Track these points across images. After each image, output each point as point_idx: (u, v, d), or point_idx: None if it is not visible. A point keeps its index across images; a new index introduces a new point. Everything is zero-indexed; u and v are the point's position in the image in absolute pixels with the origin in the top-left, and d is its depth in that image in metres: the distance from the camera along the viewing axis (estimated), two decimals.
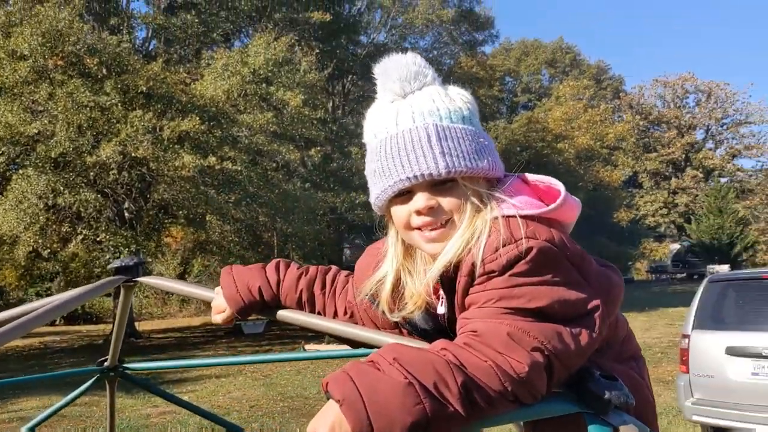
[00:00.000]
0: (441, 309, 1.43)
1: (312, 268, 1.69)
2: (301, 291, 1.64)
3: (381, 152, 1.39)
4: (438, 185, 1.35)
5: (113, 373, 2.43)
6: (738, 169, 59.21)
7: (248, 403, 10.66)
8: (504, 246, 1.25)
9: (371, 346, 1.48)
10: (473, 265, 1.28)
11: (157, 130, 18.14)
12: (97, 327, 28.30)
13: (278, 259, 1.70)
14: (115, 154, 17.13)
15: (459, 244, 1.31)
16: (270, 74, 20.62)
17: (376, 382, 1.11)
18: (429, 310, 1.45)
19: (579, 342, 1.24)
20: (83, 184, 18.41)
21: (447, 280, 1.36)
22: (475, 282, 1.28)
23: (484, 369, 1.17)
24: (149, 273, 20.97)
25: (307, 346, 18.11)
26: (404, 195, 1.38)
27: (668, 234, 59.40)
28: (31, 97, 17.66)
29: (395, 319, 1.48)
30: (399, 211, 1.40)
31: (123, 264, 1.79)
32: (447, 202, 1.35)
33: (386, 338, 1.43)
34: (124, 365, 2.45)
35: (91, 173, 18.49)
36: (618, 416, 1.25)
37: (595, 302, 1.29)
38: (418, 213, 1.36)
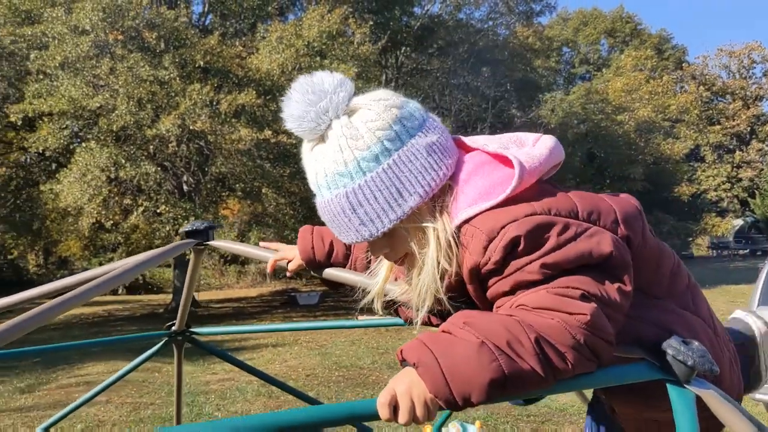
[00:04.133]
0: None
1: None
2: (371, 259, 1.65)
3: (320, 213, 1.40)
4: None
5: (181, 337, 2.50)
6: None
7: (304, 371, 10.83)
8: (490, 242, 1.23)
9: None
10: (471, 273, 1.28)
11: (215, 103, 18.38)
12: (158, 296, 29.16)
13: None
14: (174, 128, 17.44)
15: (429, 274, 1.32)
16: (324, 47, 20.60)
17: (450, 345, 1.11)
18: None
19: (616, 281, 1.23)
20: (144, 157, 18.83)
21: (454, 285, 1.36)
22: (486, 281, 1.28)
23: (553, 326, 1.15)
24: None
25: (360, 317, 18.32)
26: None
27: (731, 209, 57.50)
28: (93, 72, 18.06)
29: (418, 322, 1.48)
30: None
31: (194, 228, 1.82)
32: (395, 246, 1.37)
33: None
34: (191, 330, 2.51)
35: (151, 146, 18.90)
36: (699, 383, 1.22)
37: (608, 241, 1.25)
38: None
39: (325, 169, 1.32)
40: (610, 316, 1.20)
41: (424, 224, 1.32)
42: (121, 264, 1.54)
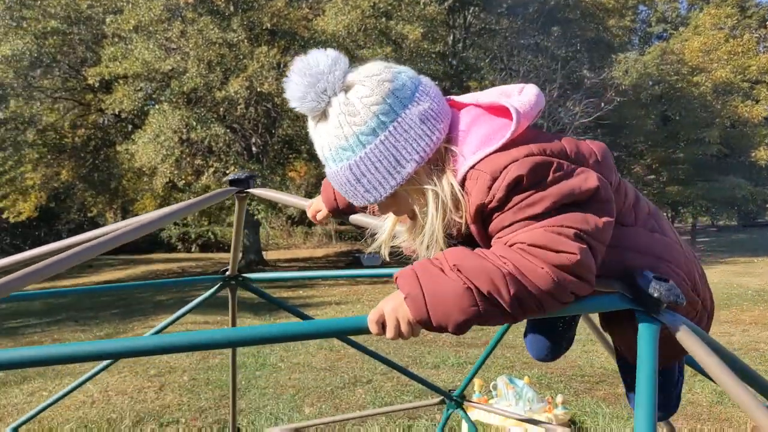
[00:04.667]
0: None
1: None
2: None
3: (330, 182, 1.53)
4: None
5: (234, 282, 2.70)
6: None
7: None
8: (494, 182, 1.35)
9: None
10: (476, 212, 1.40)
11: (281, 65, 18.65)
12: (229, 255, 30.07)
13: None
14: (242, 90, 17.81)
15: (430, 230, 1.46)
16: (390, 8, 20.53)
17: (438, 284, 1.27)
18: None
19: (602, 214, 1.36)
20: (213, 119, 19.35)
21: (459, 230, 1.48)
22: (491, 217, 1.39)
23: (540, 275, 1.28)
24: (276, 205, 21.83)
25: None
26: None
27: None
28: (165, 35, 18.57)
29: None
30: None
31: (236, 177, 2.00)
32: (399, 205, 1.52)
33: None
34: (243, 275, 2.71)
35: (221, 108, 19.37)
36: (669, 315, 1.33)
37: (594, 178, 1.37)
38: None
39: (329, 143, 1.45)
40: (596, 249, 1.33)
41: (423, 186, 1.45)
42: (174, 207, 1.72)
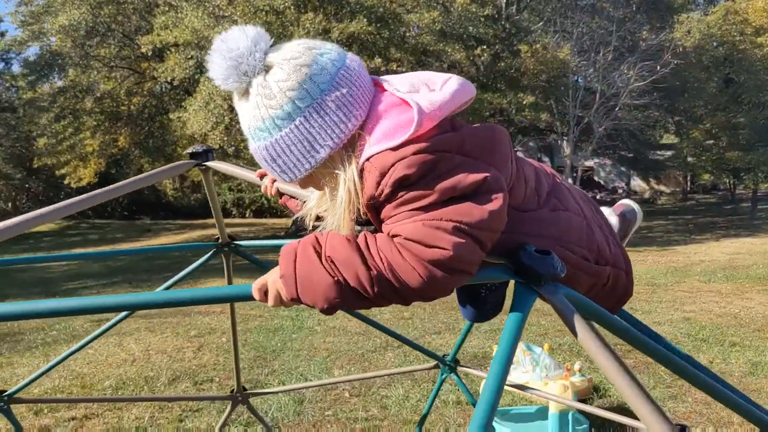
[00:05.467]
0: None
1: None
2: None
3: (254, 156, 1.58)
4: None
5: (227, 248, 2.83)
6: None
7: None
8: (382, 178, 1.38)
9: None
10: (368, 204, 1.45)
11: (328, 32, 18.67)
12: (281, 220, 30.65)
13: None
14: None
15: (340, 212, 1.50)
16: None
17: (311, 271, 1.36)
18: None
19: (491, 206, 1.37)
20: None
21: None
22: (381, 208, 1.44)
23: (414, 277, 1.33)
24: None
25: None
26: None
27: None
28: (214, 3, 18.78)
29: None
30: None
31: (195, 150, 2.09)
32: (315, 185, 1.58)
33: None
34: (236, 242, 2.84)
35: None
36: (551, 286, 1.37)
37: (485, 173, 1.38)
38: None
39: (248, 123, 1.50)
40: (482, 239, 1.36)
41: (335, 171, 1.49)
42: (134, 179, 1.84)
